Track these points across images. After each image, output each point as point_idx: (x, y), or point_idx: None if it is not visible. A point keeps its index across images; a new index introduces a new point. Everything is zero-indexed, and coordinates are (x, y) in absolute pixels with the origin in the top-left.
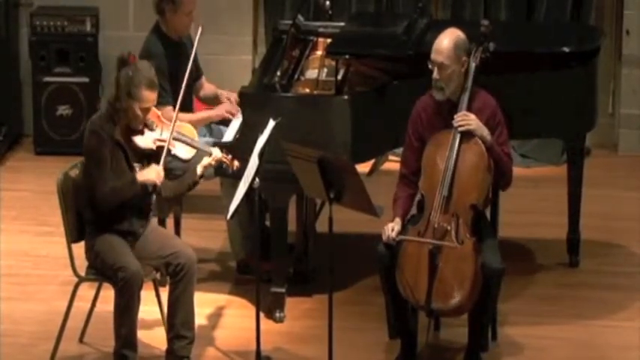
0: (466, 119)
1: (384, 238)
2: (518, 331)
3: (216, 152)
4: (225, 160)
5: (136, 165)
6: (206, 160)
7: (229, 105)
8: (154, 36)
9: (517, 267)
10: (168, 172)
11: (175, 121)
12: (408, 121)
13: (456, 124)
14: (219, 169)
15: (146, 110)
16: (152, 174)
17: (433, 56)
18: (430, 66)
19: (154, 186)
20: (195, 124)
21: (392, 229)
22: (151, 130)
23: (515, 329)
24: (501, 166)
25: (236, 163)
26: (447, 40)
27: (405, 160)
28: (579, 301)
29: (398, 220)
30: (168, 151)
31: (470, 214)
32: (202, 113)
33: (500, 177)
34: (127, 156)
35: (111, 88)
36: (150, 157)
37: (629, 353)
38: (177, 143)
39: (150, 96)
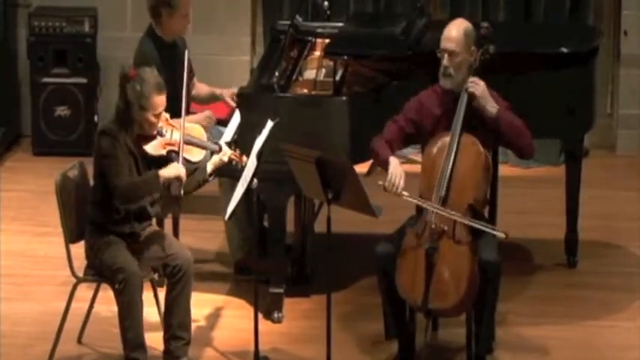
0: (474, 83)
1: (388, 186)
2: (517, 332)
3: (226, 149)
4: (234, 157)
5: None
6: (216, 158)
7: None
8: (148, 39)
9: (515, 267)
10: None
11: (184, 125)
12: (405, 104)
13: (465, 87)
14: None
15: (159, 115)
16: (174, 170)
17: (443, 44)
18: (439, 54)
19: (178, 185)
20: (203, 123)
21: (400, 176)
22: (161, 135)
23: (514, 330)
24: (516, 128)
25: (245, 158)
26: (457, 28)
27: (390, 129)
28: (578, 301)
29: (394, 159)
30: (179, 153)
31: (467, 214)
32: (207, 112)
33: (516, 141)
34: (138, 165)
35: (119, 102)
36: (160, 162)
37: (629, 353)
38: (186, 146)
39: (161, 100)
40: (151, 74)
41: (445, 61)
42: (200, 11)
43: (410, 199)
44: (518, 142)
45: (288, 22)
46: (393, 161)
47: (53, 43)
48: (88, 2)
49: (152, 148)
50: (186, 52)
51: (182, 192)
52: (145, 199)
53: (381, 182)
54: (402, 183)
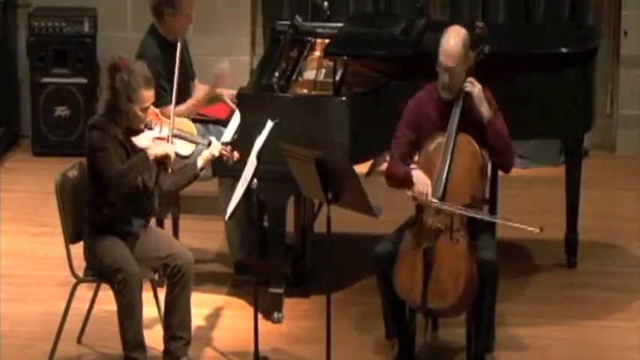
0: (471, 84)
1: (418, 196)
2: (516, 332)
3: (216, 143)
4: (224, 152)
5: None
6: (206, 153)
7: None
8: (150, 38)
9: (515, 268)
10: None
11: (173, 119)
12: (405, 109)
13: (462, 87)
14: (217, 168)
15: (147, 109)
16: (163, 148)
17: (444, 61)
18: (438, 69)
19: (156, 177)
20: (191, 111)
21: (426, 184)
22: (150, 129)
23: (513, 330)
24: (502, 140)
25: (236, 154)
26: (455, 41)
27: (397, 145)
28: (577, 301)
29: (416, 171)
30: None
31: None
32: (192, 100)
33: (499, 148)
34: (130, 157)
35: (106, 93)
36: None
37: (628, 354)
38: (176, 140)
39: (149, 95)
40: (141, 67)
41: (445, 79)
42: (200, 12)
43: (441, 207)
44: (500, 153)
45: (288, 23)
46: (415, 172)
47: (53, 43)
48: (87, 2)
49: (141, 141)
50: (178, 49)
51: (171, 170)
52: (137, 180)
53: (409, 192)
54: (429, 191)
